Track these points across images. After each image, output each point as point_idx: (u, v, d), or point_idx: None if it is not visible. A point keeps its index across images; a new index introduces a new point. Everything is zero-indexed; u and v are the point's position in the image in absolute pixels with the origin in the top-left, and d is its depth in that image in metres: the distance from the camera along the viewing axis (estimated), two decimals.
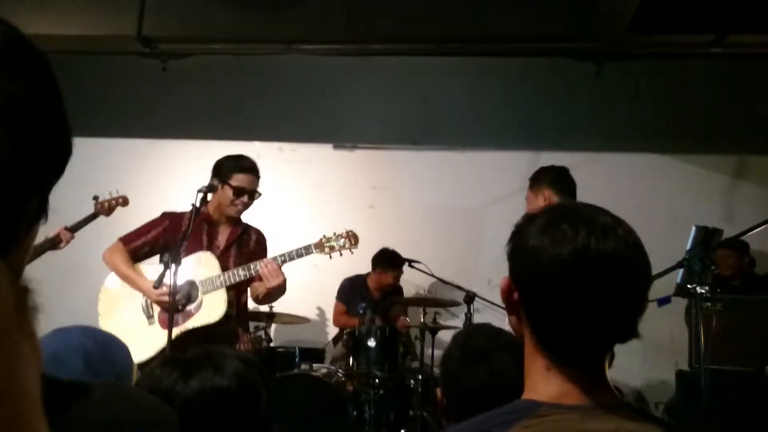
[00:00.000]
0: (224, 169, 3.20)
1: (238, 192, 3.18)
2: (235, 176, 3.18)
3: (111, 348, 1.38)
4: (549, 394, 0.97)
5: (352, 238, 3.33)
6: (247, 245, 3.31)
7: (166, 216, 3.29)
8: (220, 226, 3.28)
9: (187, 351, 1.34)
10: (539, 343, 1.00)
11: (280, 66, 5.46)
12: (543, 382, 0.99)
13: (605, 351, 1.00)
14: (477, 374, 1.54)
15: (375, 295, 4.99)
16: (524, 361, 1.04)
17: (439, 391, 1.69)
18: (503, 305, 1.07)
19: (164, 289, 3.00)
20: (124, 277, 3.20)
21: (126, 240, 3.25)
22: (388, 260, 4.93)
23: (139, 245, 3.23)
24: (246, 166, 3.22)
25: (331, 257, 3.34)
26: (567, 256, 0.94)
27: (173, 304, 2.87)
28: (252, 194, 3.24)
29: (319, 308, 5.40)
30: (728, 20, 3.89)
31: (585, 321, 0.96)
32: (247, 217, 3.44)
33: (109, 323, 3.12)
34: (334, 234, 3.32)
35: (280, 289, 3.19)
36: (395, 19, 4.25)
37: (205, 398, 1.25)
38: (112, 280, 3.27)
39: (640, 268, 0.99)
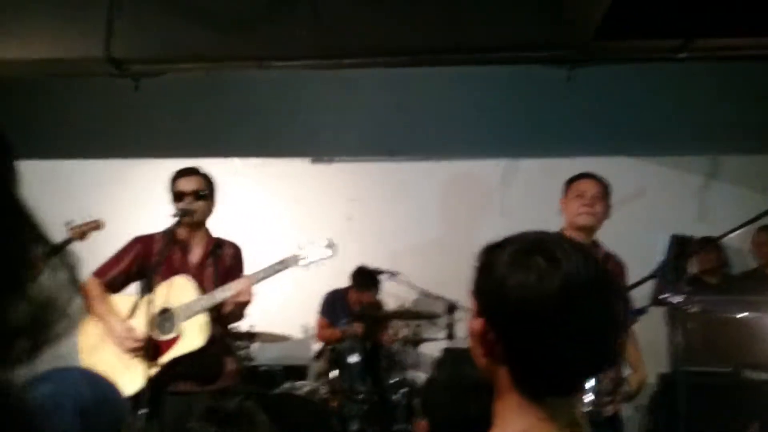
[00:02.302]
0: (169, 186, 3.22)
1: (178, 196, 3.16)
2: (173, 185, 3.20)
3: (107, 395, 1.34)
4: (517, 428, 0.97)
5: (330, 247, 3.25)
6: (222, 261, 3.23)
7: (138, 240, 3.24)
8: (190, 242, 3.22)
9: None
10: (516, 381, 0.99)
11: (254, 82, 5.45)
12: (514, 418, 0.98)
13: (584, 383, 1.00)
14: (472, 404, 1.49)
15: (355, 309, 4.98)
16: (495, 401, 1.02)
17: (423, 423, 1.63)
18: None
19: (129, 334, 2.96)
20: (96, 315, 3.11)
21: (100, 273, 3.18)
22: (362, 281, 4.90)
23: (115, 275, 3.17)
24: (179, 171, 3.24)
25: (308, 269, 3.21)
26: (555, 291, 0.93)
27: (148, 338, 2.84)
28: (196, 194, 3.18)
29: (301, 324, 5.38)
30: (695, 26, 3.93)
31: (575, 352, 0.95)
32: (225, 231, 3.40)
33: (90, 359, 3.02)
34: (310, 243, 3.23)
35: (243, 309, 3.12)
36: (365, 34, 4.25)
37: None
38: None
39: (621, 291, 1.00)
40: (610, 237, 3.48)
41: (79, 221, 3.80)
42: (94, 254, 3.37)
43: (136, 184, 5.52)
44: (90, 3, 4.13)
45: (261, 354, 5.21)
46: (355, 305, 4.97)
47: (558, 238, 1.00)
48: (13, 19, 4.11)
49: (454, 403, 1.53)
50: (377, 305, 5.05)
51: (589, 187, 3.19)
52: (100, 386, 1.34)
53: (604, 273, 0.97)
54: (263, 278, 3.07)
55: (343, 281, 5.02)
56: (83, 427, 1.24)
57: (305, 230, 5.24)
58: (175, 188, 3.18)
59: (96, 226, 3.83)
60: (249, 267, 3.32)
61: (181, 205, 3.14)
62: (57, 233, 3.77)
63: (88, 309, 3.13)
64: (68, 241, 3.75)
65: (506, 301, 0.96)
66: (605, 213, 3.17)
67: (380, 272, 4.95)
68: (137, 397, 2.82)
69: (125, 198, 5.39)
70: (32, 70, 4.48)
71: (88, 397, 1.27)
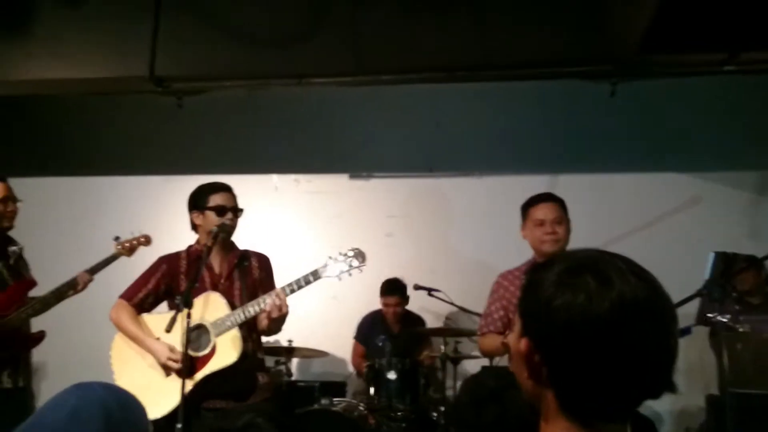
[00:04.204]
0: (198, 198, 3.20)
1: (220, 210, 3.15)
2: (211, 198, 3.16)
3: (131, 408, 1.34)
4: None
5: (360, 256, 3.17)
6: (250, 274, 3.20)
7: (163, 260, 3.24)
8: (217, 258, 3.20)
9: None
10: (563, 405, 0.93)
11: (294, 99, 5.50)
12: None
13: (634, 408, 0.94)
14: (489, 414, 1.51)
15: (394, 328, 4.95)
16: (541, 424, 0.98)
17: None
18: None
19: (174, 354, 2.98)
20: (132, 338, 3.13)
21: (128, 295, 3.19)
22: (388, 288, 4.94)
23: (143, 297, 3.18)
24: (217, 185, 3.22)
25: (340, 279, 3.13)
26: (604, 313, 0.87)
27: (186, 350, 2.85)
28: (234, 210, 3.18)
29: (339, 340, 5.36)
30: (740, 38, 3.83)
31: (625, 378, 0.89)
32: (263, 247, 3.40)
33: (124, 379, 3.03)
34: (340, 254, 3.17)
35: (281, 322, 3.08)
36: (403, 50, 4.26)
37: None
38: (123, 336, 3.19)
39: (673, 311, 0.93)
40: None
41: (127, 236, 3.80)
42: (136, 270, 3.40)
43: (178, 200, 5.60)
44: (134, 23, 4.23)
45: (299, 370, 5.22)
46: (393, 322, 4.95)
47: (612, 256, 0.94)
48: (59, 40, 4.23)
49: (475, 415, 1.54)
50: (419, 320, 5.02)
51: (547, 213, 3.15)
52: (125, 399, 1.34)
53: (661, 295, 0.91)
54: (294, 290, 3.01)
55: None
56: None
57: (344, 246, 5.24)
58: (215, 202, 3.16)
59: (144, 241, 3.82)
60: (280, 276, 3.25)
61: (224, 219, 3.15)
62: (104, 248, 3.81)
63: (120, 330, 3.17)
64: (115, 257, 3.74)
65: (551, 323, 0.91)
66: (569, 230, 3.17)
67: (418, 288, 4.91)
68: (172, 415, 2.81)
69: (171, 213, 5.47)
70: (77, 88, 4.60)
71: (114, 408, 1.27)
